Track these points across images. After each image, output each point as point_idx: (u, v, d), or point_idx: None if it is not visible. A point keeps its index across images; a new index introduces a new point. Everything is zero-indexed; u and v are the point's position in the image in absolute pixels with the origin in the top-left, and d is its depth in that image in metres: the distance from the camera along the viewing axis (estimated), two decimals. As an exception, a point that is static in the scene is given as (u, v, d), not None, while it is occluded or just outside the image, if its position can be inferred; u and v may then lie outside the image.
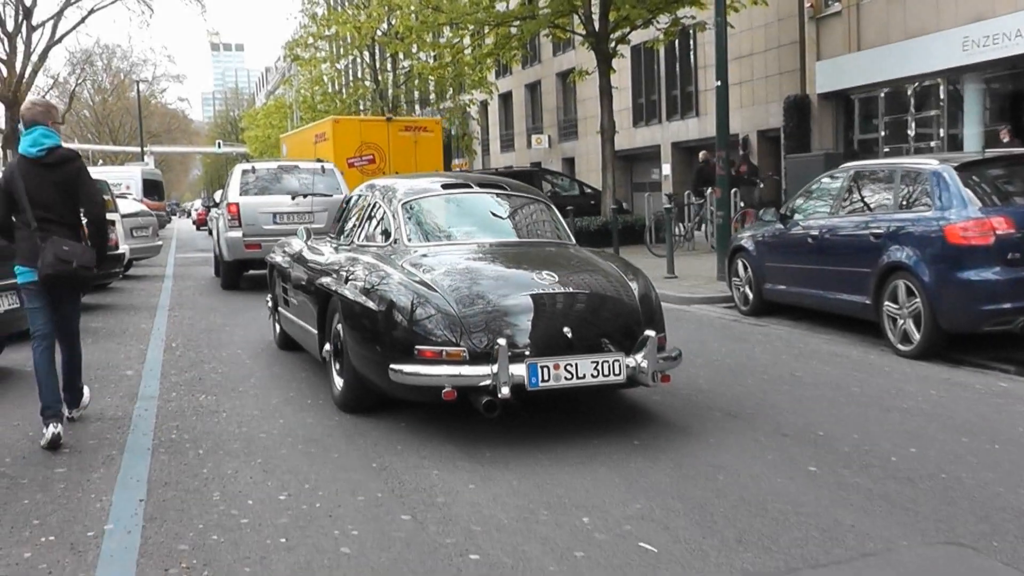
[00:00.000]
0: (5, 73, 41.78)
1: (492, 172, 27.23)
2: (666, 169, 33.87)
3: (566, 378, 6.08)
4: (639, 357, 6.29)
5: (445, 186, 8.38)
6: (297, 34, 48.92)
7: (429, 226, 7.81)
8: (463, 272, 6.74)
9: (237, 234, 16.26)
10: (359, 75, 52.87)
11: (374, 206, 8.25)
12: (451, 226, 7.88)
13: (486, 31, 26.02)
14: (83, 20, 44.83)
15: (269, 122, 69.99)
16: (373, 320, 6.60)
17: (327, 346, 7.60)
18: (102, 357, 10.04)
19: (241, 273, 17.27)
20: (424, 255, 7.14)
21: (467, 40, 28.10)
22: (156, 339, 11.25)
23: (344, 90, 53.05)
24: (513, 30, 25.98)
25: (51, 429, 6.38)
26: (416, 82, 46.02)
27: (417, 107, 49.17)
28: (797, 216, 11.66)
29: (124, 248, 17.04)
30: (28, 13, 41.80)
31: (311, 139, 26.33)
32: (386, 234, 7.75)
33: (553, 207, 8.52)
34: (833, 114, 26.81)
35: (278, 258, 10.05)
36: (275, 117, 67.99)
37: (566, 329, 6.23)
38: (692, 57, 32.97)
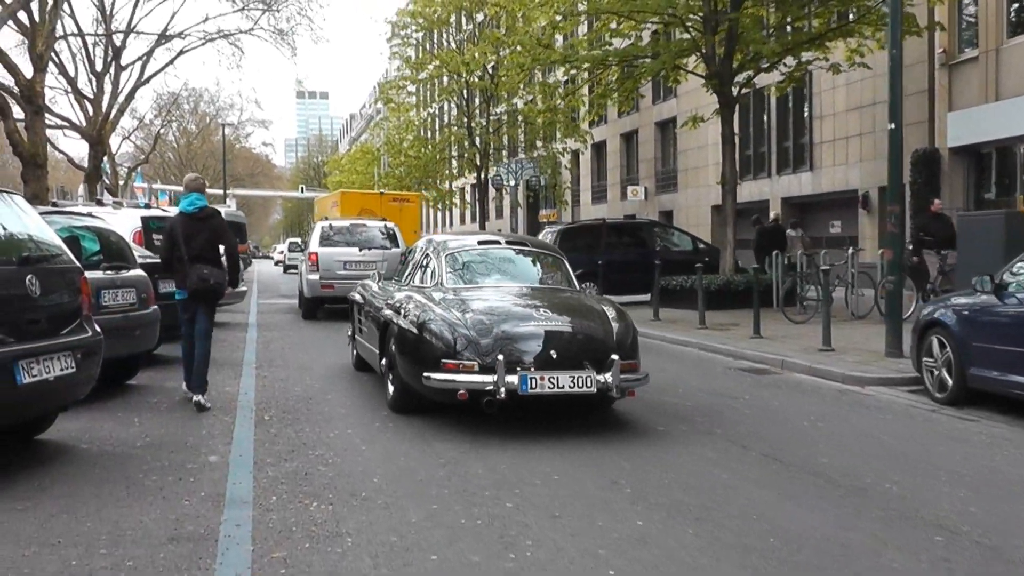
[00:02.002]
0: (91, 112, 40.89)
1: (598, 222, 25.36)
2: (775, 226, 31.63)
3: (548, 387, 7.85)
4: (607, 375, 7.99)
5: (480, 242, 10.63)
6: (391, 76, 47.75)
7: (464, 272, 9.99)
8: (482, 307, 8.65)
9: (316, 277, 20.14)
10: (448, 121, 51.56)
11: (427, 256, 10.46)
12: (481, 272, 10.06)
13: (598, 72, 24.10)
14: (172, 61, 44.04)
15: (354, 168, 68.75)
16: (414, 341, 8.51)
17: (383, 361, 9.57)
18: (179, 432, 8.12)
19: (318, 307, 20.94)
20: (456, 294, 9.24)
21: (580, 79, 26.44)
22: (244, 408, 9.30)
23: (435, 135, 51.81)
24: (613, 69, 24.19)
25: (196, 397, 9.19)
26: (504, 129, 44.56)
27: (505, 154, 47.48)
28: (1014, 287, 9.44)
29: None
30: (117, 53, 40.95)
31: (330, 204, 34.15)
32: (432, 277, 9.97)
33: (564, 260, 10.68)
34: (964, 170, 24.47)
35: (357, 296, 11.98)
36: (360, 163, 66.66)
37: (552, 351, 8.07)
38: (807, 107, 30.87)
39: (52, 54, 36.89)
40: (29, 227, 7.22)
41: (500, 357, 7.83)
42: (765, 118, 33.20)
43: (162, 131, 71.48)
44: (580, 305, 9.07)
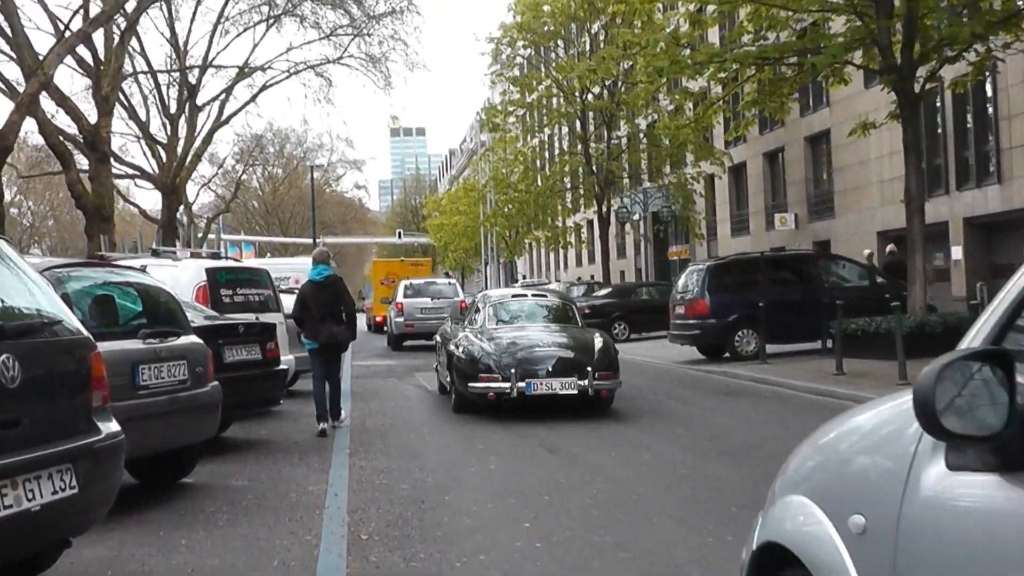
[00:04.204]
0: (165, 159, 40.11)
1: (754, 256, 23.60)
2: (956, 253, 28.83)
3: (545, 389, 12.92)
4: (584, 381, 12.92)
5: (514, 296, 17.16)
6: (495, 101, 46.42)
7: (500, 315, 15.51)
8: (508, 339, 13.98)
9: (401, 319, 30.44)
10: (563, 148, 49.92)
11: (477, 305, 16.27)
12: (511, 315, 15.61)
13: (752, 73, 22.10)
14: (254, 98, 42.26)
15: (455, 208, 67.01)
16: (462, 363, 13.63)
17: (448, 379, 14.62)
18: (240, 561, 6.31)
19: (403, 342, 30.67)
20: (493, 331, 14.55)
21: (715, 91, 24.57)
22: (332, 520, 7.42)
23: (547, 167, 50.17)
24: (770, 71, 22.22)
25: (321, 425, 12.26)
26: (626, 155, 42.60)
27: (627, 183, 45.43)
28: None
29: (288, 359, 13.57)
30: (193, 92, 39.98)
31: (371, 269, 52.70)
32: (478, 319, 15.39)
33: (574, 305, 17.16)
34: None
35: (437, 337, 17.52)
36: (463, 202, 64.77)
37: (550, 367, 13.13)
38: (991, 106, 28.21)
39: (120, 96, 36.31)
40: (12, 286, 5.44)
41: (514, 371, 12.85)
42: (939, 122, 30.56)
43: (244, 177, 71.44)
44: (576, 336, 14.22)
